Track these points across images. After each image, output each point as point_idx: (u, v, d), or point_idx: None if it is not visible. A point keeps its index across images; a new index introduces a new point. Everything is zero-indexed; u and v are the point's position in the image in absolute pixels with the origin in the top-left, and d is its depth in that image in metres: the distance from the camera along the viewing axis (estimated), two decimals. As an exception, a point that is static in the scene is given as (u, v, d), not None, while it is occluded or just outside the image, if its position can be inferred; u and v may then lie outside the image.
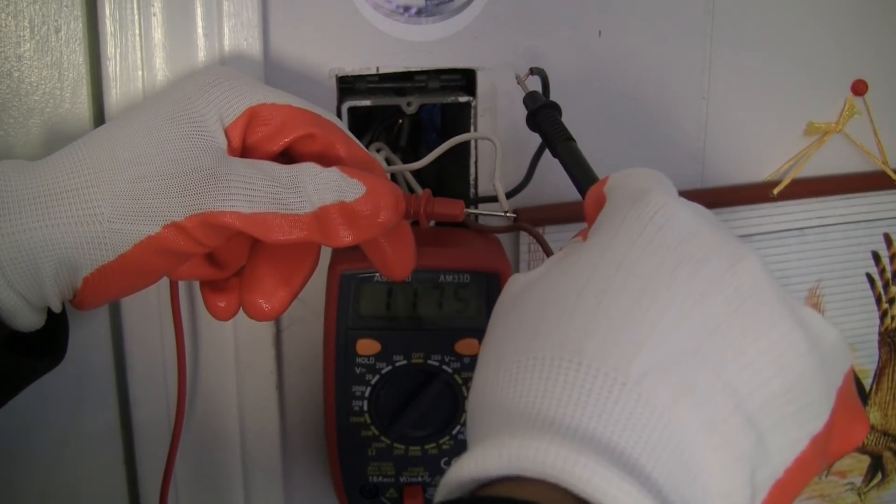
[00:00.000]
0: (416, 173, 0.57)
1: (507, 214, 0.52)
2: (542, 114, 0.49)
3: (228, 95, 0.42)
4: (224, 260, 0.45)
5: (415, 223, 0.46)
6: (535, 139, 0.55)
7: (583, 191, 0.43)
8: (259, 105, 0.42)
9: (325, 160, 0.42)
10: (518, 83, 0.54)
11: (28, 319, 0.40)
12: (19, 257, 0.38)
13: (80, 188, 0.39)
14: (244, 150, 0.43)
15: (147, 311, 0.52)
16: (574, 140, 0.47)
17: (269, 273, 0.44)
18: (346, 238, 0.40)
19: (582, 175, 0.45)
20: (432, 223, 0.58)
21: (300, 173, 0.40)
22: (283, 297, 0.44)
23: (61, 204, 0.39)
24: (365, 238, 0.41)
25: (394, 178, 0.57)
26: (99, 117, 0.50)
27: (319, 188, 0.40)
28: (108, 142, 0.41)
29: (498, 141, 0.53)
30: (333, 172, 0.40)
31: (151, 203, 0.39)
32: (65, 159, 0.40)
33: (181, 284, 0.51)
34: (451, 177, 0.59)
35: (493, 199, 0.56)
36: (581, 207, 0.58)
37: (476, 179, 0.56)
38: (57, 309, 0.41)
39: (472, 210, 0.49)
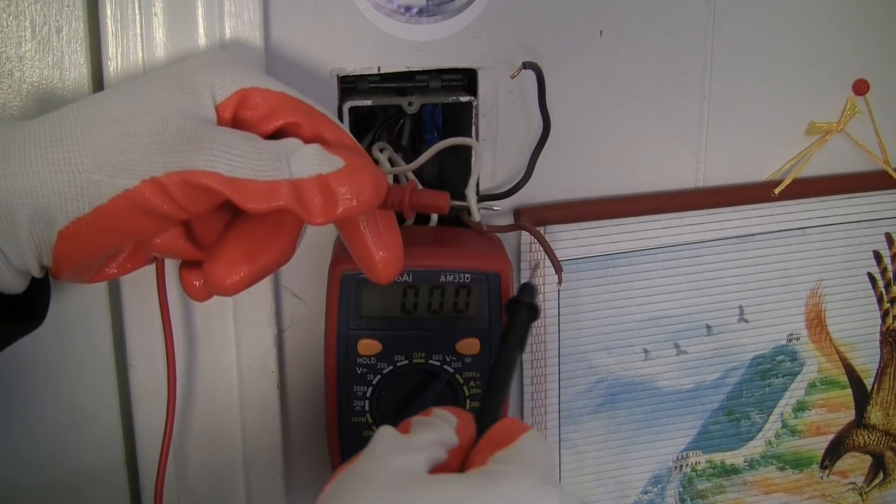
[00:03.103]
0: (418, 173, 0.57)
1: (491, 210, 0.53)
2: (521, 309, 0.48)
3: (223, 75, 0.43)
4: (203, 238, 0.45)
5: (402, 222, 0.46)
6: (535, 138, 0.56)
7: (488, 413, 0.43)
8: (251, 88, 0.43)
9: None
10: (511, 78, 0.54)
11: (4, 276, 0.40)
12: None
13: (63, 139, 0.39)
14: None
15: (149, 310, 0.52)
16: (523, 351, 0.47)
17: (234, 247, 0.44)
18: (322, 212, 0.40)
19: (496, 397, 0.44)
20: (429, 223, 0.58)
21: (282, 145, 0.41)
22: (244, 271, 0.44)
23: (44, 152, 0.39)
24: (342, 215, 0.40)
25: (396, 179, 0.57)
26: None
27: (299, 160, 0.40)
28: (99, 101, 0.42)
29: (478, 146, 0.53)
30: (314, 148, 0.41)
31: (132, 157, 0.39)
32: (54, 115, 0.41)
33: (179, 283, 0.51)
34: (453, 175, 0.59)
35: (494, 196, 0.56)
36: (581, 207, 0.59)
37: (478, 178, 0.56)
38: (35, 271, 0.41)
39: (456, 203, 0.49)
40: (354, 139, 0.45)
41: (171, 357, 0.50)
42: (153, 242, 0.44)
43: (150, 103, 0.41)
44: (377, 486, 0.35)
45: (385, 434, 0.38)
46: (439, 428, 0.39)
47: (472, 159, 0.56)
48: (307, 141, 0.42)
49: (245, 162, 0.40)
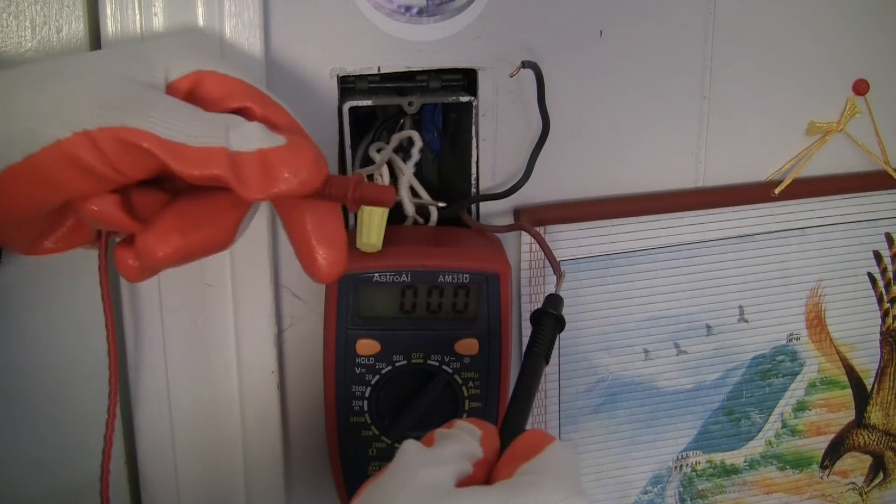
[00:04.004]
0: (418, 172, 0.57)
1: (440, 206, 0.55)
2: (547, 319, 0.48)
3: (181, 56, 0.43)
4: (142, 213, 0.43)
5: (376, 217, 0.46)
6: (535, 137, 0.56)
7: (511, 425, 0.42)
8: (209, 72, 0.43)
9: None
10: (510, 77, 0.54)
11: None
12: None
13: (6, 88, 0.39)
14: None
15: (149, 310, 0.52)
16: (548, 363, 0.47)
17: (169, 219, 0.43)
18: (259, 188, 0.39)
19: (520, 408, 0.44)
20: (429, 223, 0.58)
21: (224, 117, 0.40)
22: (177, 243, 0.42)
23: None
24: (280, 193, 0.39)
25: (395, 179, 0.57)
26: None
27: (240, 134, 0.39)
28: (54, 60, 0.42)
29: (417, 137, 0.55)
30: (257, 125, 0.40)
31: (69, 110, 0.39)
32: (6, 69, 0.41)
33: (178, 284, 0.52)
34: (453, 175, 0.59)
35: (494, 196, 0.56)
36: (581, 207, 0.59)
37: (477, 178, 0.56)
38: None
39: (418, 200, 0.48)
40: (306, 131, 0.44)
41: (112, 346, 0.48)
42: (89, 209, 0.42)
43: (102, 66, 0.41)
44: (404, 501, 0.35)
45: (410, 448, 0.38)
46: (464, 440, 0.39)
47: (473, 156, 0.56)
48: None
49: (183, 127, 0.39)
